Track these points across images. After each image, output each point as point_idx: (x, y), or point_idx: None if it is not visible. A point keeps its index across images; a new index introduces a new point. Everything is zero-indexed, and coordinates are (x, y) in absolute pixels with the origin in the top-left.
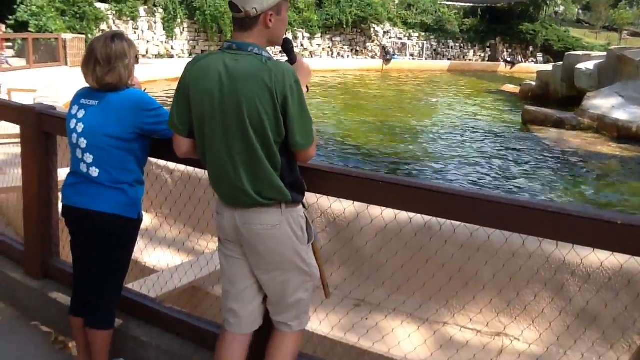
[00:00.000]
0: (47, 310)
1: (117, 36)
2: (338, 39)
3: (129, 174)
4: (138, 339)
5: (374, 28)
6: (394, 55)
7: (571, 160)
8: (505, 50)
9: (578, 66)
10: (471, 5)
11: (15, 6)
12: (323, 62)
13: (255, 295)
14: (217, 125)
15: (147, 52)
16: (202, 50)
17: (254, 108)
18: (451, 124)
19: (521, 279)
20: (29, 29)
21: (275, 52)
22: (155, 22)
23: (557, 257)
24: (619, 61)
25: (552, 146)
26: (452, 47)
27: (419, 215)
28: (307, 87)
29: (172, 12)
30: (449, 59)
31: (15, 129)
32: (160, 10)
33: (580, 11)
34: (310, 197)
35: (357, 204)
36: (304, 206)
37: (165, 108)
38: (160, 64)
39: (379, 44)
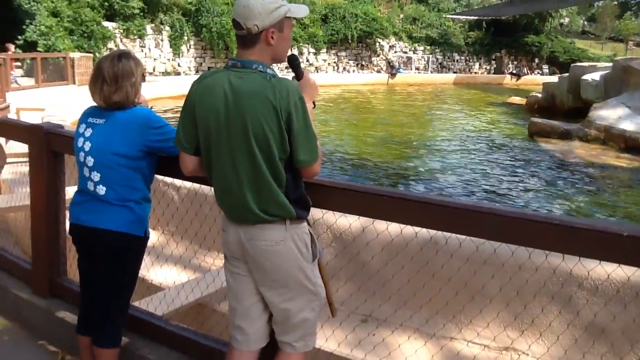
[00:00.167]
0: (54, 329)
1: (124, 55)
2: (343, 53)
3: (135, 192)
4: (145, 357)
5: (379, 42)
6: (399, 69)
7: (578, 172)
8: (510, 62)
9: (584, 77)
10: (476, 18)
11: (25, 26)
12: (329, 77)
13: (262, 313)
14: (223, 143)
15: (154, 70)
16: (208, 67)
17: (259, 125)
18: (457, 136)
19: (528, 293)
20: (38, 49)
21: (282, 68)
22: (162, 40)
23: (563, 270)
24: (625, 72)
25: (559, 158)
26: (457, 60)
27: (424, 229)
28: (313, 103)
29: (178, 30)
30: (454, 72)
31: (23, 148)
32: (167, 28)
33: (586, 22)
34: (315, 212)
35: (362, 218)
36: (308, 223)
37: (171, 126)
38: (167, 81)
39: (384, 58)
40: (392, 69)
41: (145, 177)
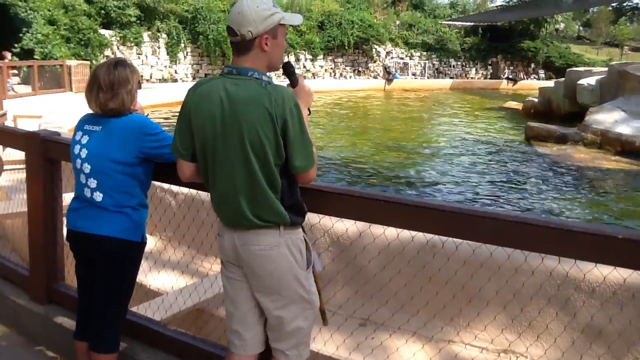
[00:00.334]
0: (52, 335)
1: (120, 63)
2: (340, 60)
3: (132, 198)
4: None
5: (375, 49)
6: (395, 74)
7: (575, 176)
8: (507, 67)
9: (580, 82)
10: (472, 24)
11: (21, 34)
12: (325, 83)
13: (259, 318)
14: (219, 149)
15: (150, 77)
16: (205, 74)
17: (255, 132)
18: (454, 141)
19: (525, 295)
20: (35, 57)
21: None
22: (158, 47)
23: (560, 273)
24: (621, 76)
25: (556, 162)
26: (453, 65)
27: (421, 233)
28: (308, 109)
29: (175, 37)
30: (451, 78)
31: (20, 155)
32: (164, 36)
33: (581, 28)
34: (312, 217)
35: (359, 223)
36: (304, 230)
37: (167, 132)
38: (164, 88)
39: (381, 64)
40: (388, 75)
41: (142, 183)
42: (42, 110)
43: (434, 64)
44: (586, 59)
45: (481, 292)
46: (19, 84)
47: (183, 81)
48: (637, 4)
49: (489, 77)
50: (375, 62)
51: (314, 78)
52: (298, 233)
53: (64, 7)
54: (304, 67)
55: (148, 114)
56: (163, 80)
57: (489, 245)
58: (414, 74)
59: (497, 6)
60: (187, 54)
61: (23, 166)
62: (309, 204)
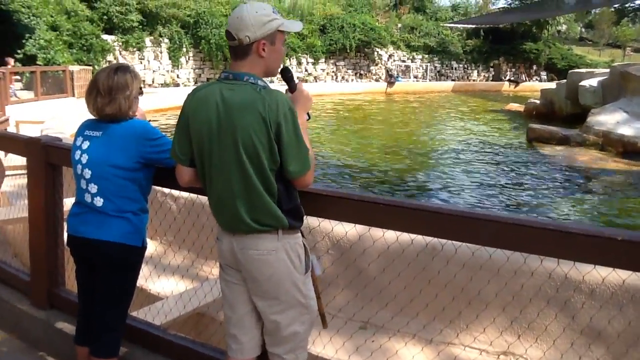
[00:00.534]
0: (53, 340)
1: (121, 69)
2: (342, 63)
3: (133, 203)
4: None
5: (377, 52)
6: (397, 77)
7: (577, 177)
8: (509, 69)
9: (582, 83)
10: (474, 26)
11: (24, 40)
12: (327, 86)
13: (256, 322)
14: (215, 155)
15: (153, 82)
16: (207, 79)
17: (249, 137)
18: (456, 143)
19: (524, 297)
20: (37, 62)
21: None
22: (161, 52)
23: (559, 274)
24: (623, 77)
25: (558, 163)
26: (455, 68)
27: (420, 236)
28: (308, 114)
29: (177, 42)
30: (452, 80)
31: (22, 160)
32: (166, 40)
33: (583, 29)
34: (312, 220)
35: (359, 226)
36: (302, 235)
37: (167, 137)
38: (166, 92)
39: (383, 67)
40: (390, 78)
41: (142, 188)
42: (45, 116)
43: (435, 67)
44: (588, 61)
45: (480, 294)
46: (21, 89)
47: (185, 85)
48: None
49: (491, 79)
50: (377, 65)
51: (316, 81)
52: (297, 237)
53: (66, 12)
54: (306, 70)
55: (150, 120)
56: (165, 84)
57: (488, 248)
58: (415, 77)
59: (499, 8)
60: (189, 59)
61: (24, 171)
62: (308, 207)
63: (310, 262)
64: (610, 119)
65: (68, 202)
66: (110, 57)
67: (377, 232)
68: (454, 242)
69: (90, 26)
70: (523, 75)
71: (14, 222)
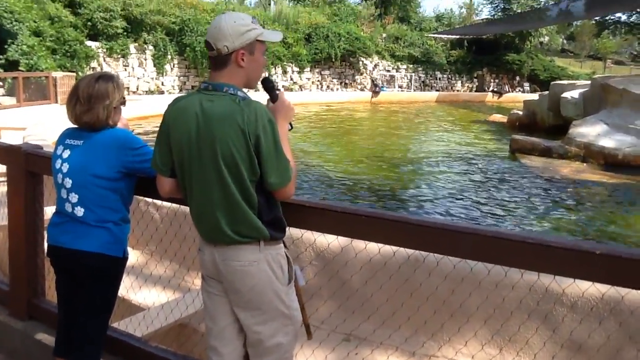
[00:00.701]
0: (31, 352)
1: (104, 77)
2: (327, 72)
3: (114, 213)
4: None
5: (362, 61)
6: (382, 87)
7: (559, 189)
8: (492, 80)
9: (564, 95)
10: (457, 37)
11: (6, 46)
12: (312, 95)
13: (237, 334)
14: (195, 166)
15: (137, 89)
16: (192, 86)
17: (228, 148)
18: (440, 154)
19: (505, 310)
20: (20, 68)
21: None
22: (145, 59)
23: (539, 287)
24: (603, 90)
25: (540, 174)
26: (440, 78)
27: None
28: (290, 124)
29: (162, 49)
30: (437, 90)
31: (2, 168)
32: (151, 47)
33: (565, 41)
34: (295, 231)
35: (341, 237)
36: (285, 245)
37: (150, 147)
38: (150, 100)
39: (368, 76)
40: (375, 87)
41: (124, 198)
42: (27, 122)
43: (420, 77)
44: (570, 72)
45: (462, 307)
46: (3, 95)
47: (170, 93)
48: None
49: (474, 89)
50: (362, 74)
51: (301, 90)
52: (279, 248)
53: (50, 18)
54: (291, 79)
55: (133, 127)
56: (150, 92)
57: (469, 260)
58: (400, 87)
59: (482, 19)
60: (174, 66)
61: (4, 179)
62: (289, 218)
63: (294, 273)
64: (591, 131)
65: (49, 211)
66: (94, 64)
67: (359, 244)
68: (435, 254)
69: (74, 32)
70: (506, 86)
71: None
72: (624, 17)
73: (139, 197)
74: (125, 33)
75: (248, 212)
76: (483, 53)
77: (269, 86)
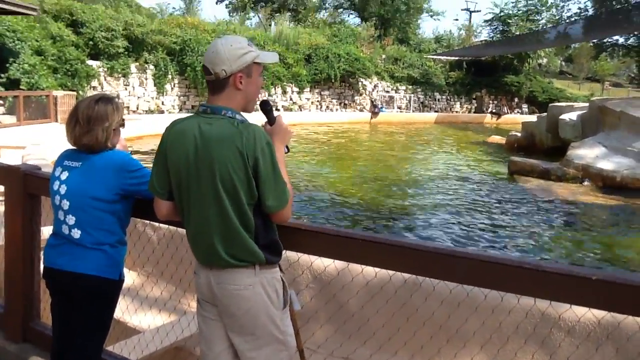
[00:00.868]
0: None
1: (103, 99)
2: (327, 92)
3: (111, 235)
4: None
5: (361, 82)
6: (381, 108)
7: (557, 211)
8: (491, 101)
9: (562, 117)
10: (456, 58)
11: (8, 65)
12: (312, 115)
13: (232, 359)
14: (192, 188)
15: (137, 108)
16: (192, 106)
17: (226, 171)
18: (438, 175)
19: (502, 335)
20: (21, 87)
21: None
22: (146, 79)
23: (536, 312)
24: (601, 112)
25: (539, 196)
26: (438, 99)
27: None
28: (287, 147)
29: (163, 69)
30: (436, 111)
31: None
32: (152, 67)
33: (563, 63)
34: (292, 254)
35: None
36: (281, 269)
37: (148, 169)
38: (149, 119)
39: (367, 97)
40: (374, 108)
41: (121, 220)
42: (27, 141)
43: (419, 98)
44: (568, 94)
45: (459, 332)
46: (3, 114)
47: (170, 113)
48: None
49: (473, 111)
50: (361, 95)
51: (301, 110)
52: (274, 272)
53: (52, 37)
54: (291, 99)
55: (131, 147)
56: (150, 111)
57: (466, 285)
58: (399, 107)
59: (481, 41)
60: (174, 86)
61: (1, 199)
62: (285, 242)
63: (289, 297)
64: (589, 153)
65: (46, 231)
66: (94, 83)
67: (356, 267)
68: (431, 279)
69: (76, 51)
70: (505, 108)
71: None
72: (621, 40)
73: (136, 218)
74: (126, 52)
75: (244, 235)
76: (482, 74)
77: (267, 109)
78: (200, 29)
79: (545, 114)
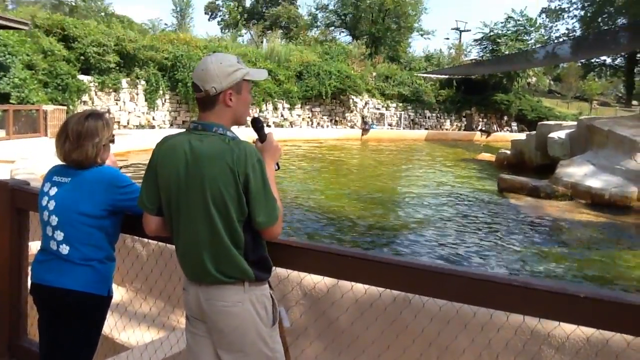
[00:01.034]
0: None
1: (93, 115)
2: (318, 109)
3: (99, 251)
4: None
5: (352, 99)
6: (372, 125)
7: (546, 228)
8: (480, 119)
9: (550, 135)
10: (447, 77)
11: None
12: (303, 131)
13: None
14: (182, 204)
15: (128, 123)
16: (183, 121)
17: (216, 188)
18: (428, 192)
19: (492, 352)
20: (11, 101)
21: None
22: (137, 94)
23: (525, 329)
24: (589, 130)
25: (528, 214)
26: (429, 117)
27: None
28: (277, 164)
29: (154, 84)
30: (426, 129)
31: None
32: (143, 82)
33: (552, 82)
34: (281, 271)
35: (327, 277)
36: (270, 286)
37: (137, 185)
38: (139, 134)
39: (358, 114)
40: (365, 125)
41: (110, 236)
42: (16, 155)
43: (409, 115)
44: (557, 112)
45: (449, 349)
46: None
47: (160, 128)
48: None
49: (463, 128)
50: (352, 112)
51: (292, 127)
52: (263, 289)
53: (43, 52)
54: (282, 115)
55: (120, 167)
56: (140, 126)
57: (455, 302)
58: (390, 125)
59: (471, 60)
60: (165, 101)
61: None
62: (275, 258)
63: (279, 314)
64: (578, 171)
65: (33, 246)
66: (85, 97)
67: (346, 284)
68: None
69: (67, 66)
70: (494, 126)
71: None
72: (608, 60)
73: (125, 234)
74: (117, 67)
75: (234, 252)
76: (472, 93)
77: (258, 126)
78: (192, 45)
79: (534, 132)
